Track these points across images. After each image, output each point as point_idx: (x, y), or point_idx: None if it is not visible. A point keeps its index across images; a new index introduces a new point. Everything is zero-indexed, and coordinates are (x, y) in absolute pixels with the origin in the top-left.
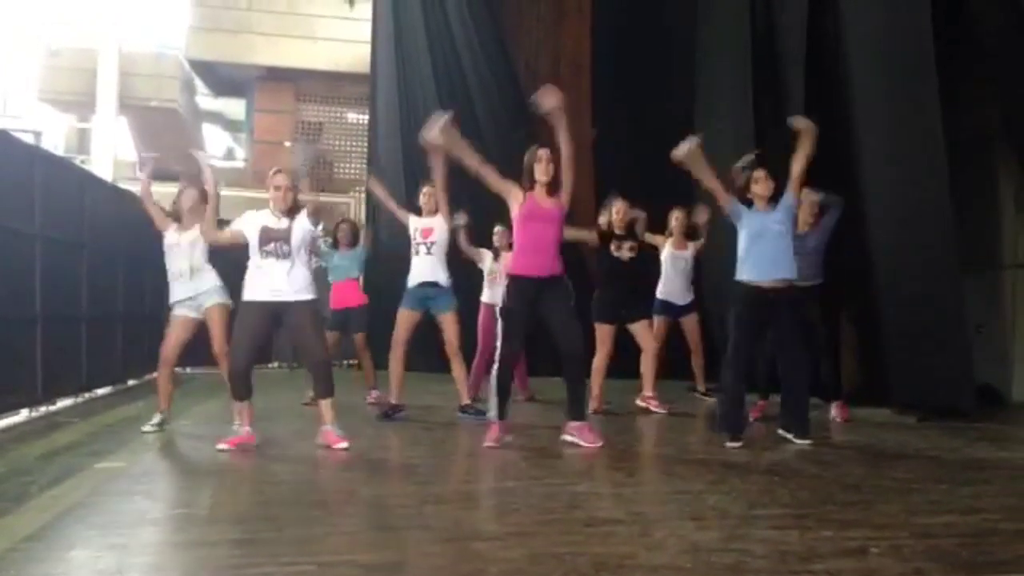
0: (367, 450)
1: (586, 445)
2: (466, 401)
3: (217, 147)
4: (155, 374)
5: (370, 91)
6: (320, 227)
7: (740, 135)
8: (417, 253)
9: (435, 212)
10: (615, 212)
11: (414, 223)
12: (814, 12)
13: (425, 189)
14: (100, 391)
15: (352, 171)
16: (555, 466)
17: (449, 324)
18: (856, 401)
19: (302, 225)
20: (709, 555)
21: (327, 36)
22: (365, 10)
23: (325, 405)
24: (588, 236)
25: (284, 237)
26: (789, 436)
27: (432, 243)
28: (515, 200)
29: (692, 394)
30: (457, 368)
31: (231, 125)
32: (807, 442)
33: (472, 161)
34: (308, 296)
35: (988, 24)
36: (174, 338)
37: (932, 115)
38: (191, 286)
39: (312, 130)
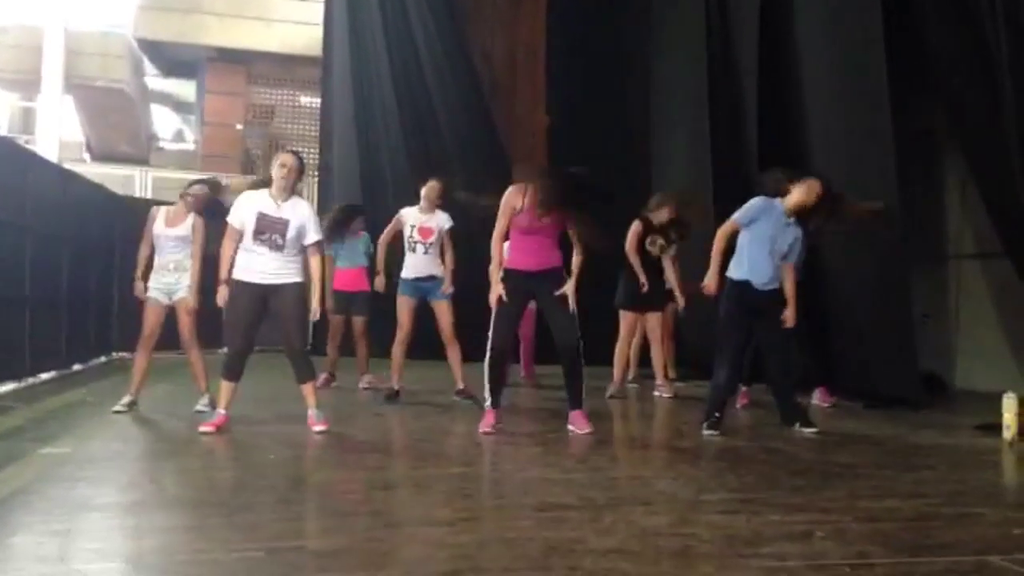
0: (320, 437)
1: (580, 432)
2: (461, 386)
3: (166, 129)
4: (101, 359)
5: (322, 74)
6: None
7: (695, 131)
8: (413, 251)
9: (434, 209)
10: (666, 211)
11: (411, 219)
12: (766, 14)
13: (431, 183)
14: (44, 376)
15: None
16: (506, 452)
17: (444, 311)
18: (801, 389)
19: (300, 215)
20: (657, 539)
21: (280, 18)
22: None
23: (307, 389)
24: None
25: (280, 230)
26: (805, 428)
27: (430, 244)
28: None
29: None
30: (453, 354)
31: (181, 107)
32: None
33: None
34: (296, 279)
35: (933, 20)
36: (150, 324)
37: (881, 111)
38: (170, 280)
39: (263, 113)
